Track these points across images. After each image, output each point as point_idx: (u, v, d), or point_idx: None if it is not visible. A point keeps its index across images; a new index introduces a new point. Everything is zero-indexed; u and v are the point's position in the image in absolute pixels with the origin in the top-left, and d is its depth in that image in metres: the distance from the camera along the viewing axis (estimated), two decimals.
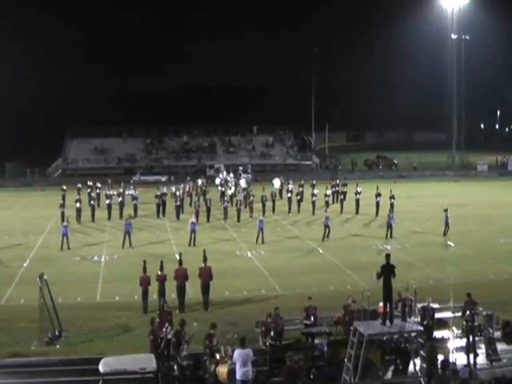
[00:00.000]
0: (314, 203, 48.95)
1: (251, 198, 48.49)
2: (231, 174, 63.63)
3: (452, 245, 37.41)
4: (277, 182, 57.91)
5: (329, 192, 50.24)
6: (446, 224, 39.71)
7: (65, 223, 38.33)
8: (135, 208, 48.21)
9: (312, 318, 21.60)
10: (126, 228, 37.91)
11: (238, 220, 45.74)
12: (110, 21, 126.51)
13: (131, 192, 49.80)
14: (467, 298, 21.08)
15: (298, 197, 50.43)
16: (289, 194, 50.86)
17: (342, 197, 50.97)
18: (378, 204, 47.77)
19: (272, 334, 20.34)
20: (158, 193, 49.58)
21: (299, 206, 50.01)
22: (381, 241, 38.37)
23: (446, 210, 39.88)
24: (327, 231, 39.26)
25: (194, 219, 39.39)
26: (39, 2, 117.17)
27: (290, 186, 51.32)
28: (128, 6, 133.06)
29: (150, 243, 38.65)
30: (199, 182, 58.14)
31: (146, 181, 69.64)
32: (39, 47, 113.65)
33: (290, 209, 49.73)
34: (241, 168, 71.37)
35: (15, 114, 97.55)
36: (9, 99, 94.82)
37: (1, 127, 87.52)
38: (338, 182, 54.75)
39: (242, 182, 60.29)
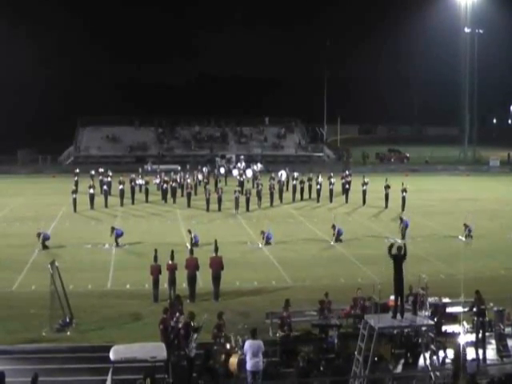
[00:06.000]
0: (331, 192, 50.89)
1: (259, 187, 49.18)
2: (243, 164, 66.00)
3: (463, 239, 37.24)
4: (283, 174, 58.03)
5: (333, 180, 51.35)
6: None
7: (40, 230, 34.66)
8: (146, 192, 50.43)
9: (326, 312, 21.44)
10: (117, 233, 35.18)
11: (248, 209, 46.13)
12: (124, 10, 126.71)
13: (139, 182, 51.75)
14: (475, 295, 21.07)
15: (302, 185, 52.40)
16: (294, 182, 52.86)
17: (348, 186, 52.17)
18: (387, 196, 47.87)
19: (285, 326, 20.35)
20: (167, 178, 51.09)
21: (302, 194, 52.06)
22: (392, 234, 38.05)
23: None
24: (336, 233, 36.80)
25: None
26: None
27: (296, 174, 53.58)
28: None
29: (161, 232, 38.75)
30: (204, 170, 59.18)
31: (157, 170, 69.56)
32: (52, 36, 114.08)
33: (294, 197, 51.81)
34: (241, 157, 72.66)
35: (29, 102, 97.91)
36: (22, 87, 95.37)
37: (14, 114, 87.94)
38: (347, 173, 55.25)
39: (249, 173, 61.82)
